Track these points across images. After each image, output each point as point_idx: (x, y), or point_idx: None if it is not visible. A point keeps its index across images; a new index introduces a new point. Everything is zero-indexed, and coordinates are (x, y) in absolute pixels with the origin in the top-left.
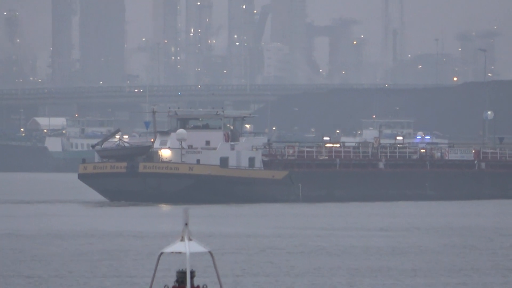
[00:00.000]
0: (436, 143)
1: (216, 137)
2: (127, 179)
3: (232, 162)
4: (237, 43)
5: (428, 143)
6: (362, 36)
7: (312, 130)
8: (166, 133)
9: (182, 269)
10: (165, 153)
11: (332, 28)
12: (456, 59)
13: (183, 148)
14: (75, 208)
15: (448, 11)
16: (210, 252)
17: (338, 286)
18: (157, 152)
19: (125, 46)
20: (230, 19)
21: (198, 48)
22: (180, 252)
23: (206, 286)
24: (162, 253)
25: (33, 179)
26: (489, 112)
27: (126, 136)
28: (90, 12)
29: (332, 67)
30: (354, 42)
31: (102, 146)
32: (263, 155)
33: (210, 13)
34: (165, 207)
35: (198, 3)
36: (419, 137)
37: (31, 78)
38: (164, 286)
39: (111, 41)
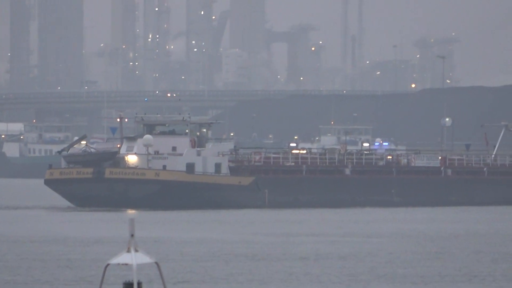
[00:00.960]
0: (394, 150)
1: (183, 143)
2: (94, 185)
3: (198, 168)
4: (196, 49)
5: (388, 150)
6: (320, 42)
7: (270, 136)
8: (132, 139)
9: (129, 281)
10: (132, 159)
11: (290, 34)
12: (414, 65)
13: (149, 154)
14: (40, 213)
15: (407, 18)
16: (156, 263)
17: None
18: (124, 157)
19: (83, 51)
20: (189, 25)
21: (156, 54)
22: (126, 264)
23: None
24: (108, 264)
25: None
26: (447, 119)
27: (84, 143)
28: (49, 17)
29: (290, 73)
30: (313, 48)
31: (69, 152)
32: (229, 161)
33: (168, 18)
34: (130, 213)
35: (156, 9)
36: (377, 143)
37: None
38: None
39: (69, 46)
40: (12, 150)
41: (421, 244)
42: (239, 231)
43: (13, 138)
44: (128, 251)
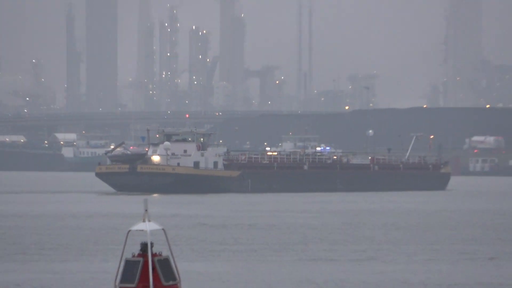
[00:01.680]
0: (334, 152)
1: (191, 147)
2: (129, 176)
3: (202, 165)
4: (195, 82)
5: (330, 152)
6: (282, 77)
7: (248, 143)
8: (156, 145)
9: (144, 241)
10: (156, 158)
11: (261, 72)
12: (347, 93)
13: (168, 155)
14: (91, 196)
15: (343, 58)
16: (163, 229)
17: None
18: (150, 157)
19: (117, 83)
20: (190, 65)
21: (168, 85)
22: (142, 230)
23: (161, 253)
24: (129, 230)
25: (54, 176)
26: (370, 131)
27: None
28: (92, 59)
29: (261, 99)
30: (277, 82)
31: (112, 153)
32: (223, 160)
33: (176, 61)
34: (155, 196)
35: (168, 54)
36: (322, 148)
37: (52, 106)
38: (132, 254)
39: (108, 80)
40: (68, 152)
41: (341, 217)
42: (226, 209)
43: (69, 144)
44: (143, 221)
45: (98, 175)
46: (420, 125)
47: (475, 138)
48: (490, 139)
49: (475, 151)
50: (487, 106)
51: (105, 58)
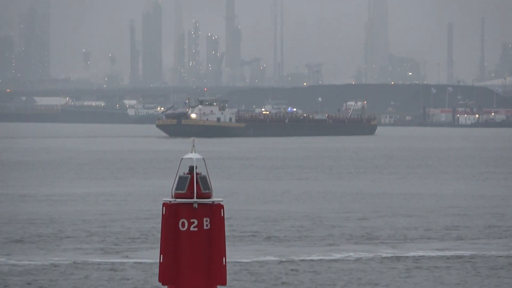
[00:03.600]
0: (297, 112)
1: (215, 108)
2: (177, 127)
3: (222, 120)
4: (210, 68)
5: (297, 112)
6: (264, 65)
7: (243, 106)
8: (193, 107)
9: (191, 165)
10: (193, 115)
11: (251, 62)
12: (304, 75)
13: (201, 113)
14: (152, 139)
15: (303, 50)
16: (203, 158)
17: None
18: (190, 115)
19: (162, 68)
20: (207, 58)
21: (193, 70)
22: (190, 158)
23: (201, 172)
24: (182, 158)
25: (123, 127)
26: (319, 99)
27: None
28: (147, 53)
29: (251, 79)
30: (261, 68)
31: (166, 112)
32: (235, 116)
33: (199, 55)
34: (193, 139)
35: (193, 51)
36: (290, 109)
37: (121, 83)
38: (183, 172)
39: (156, 66)
40: (131, 112)
41: (307, 152)
42: (239, 146)
43: (131, 106)
44: (191, 152)
45: (158, 126)
46: (351, 96)
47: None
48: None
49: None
50: (392, 83)
51: (154, 53)
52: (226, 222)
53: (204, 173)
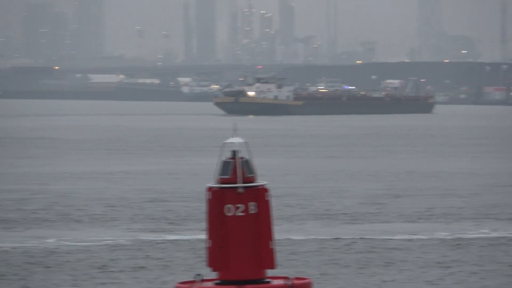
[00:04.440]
0: (353, 89)
1: (272, 86)
2: (234, 104)
3: (279, 97)
4: (264, 46)
5: (351, 89)
6: (319, 43)
7: (296, 83)
8: (251, 84)
9: (234, 149)
10: (251, 93)
11: (305, 39)
12: (359, 52)
13: (259, 91)
14: (210, 116)
15: (356, 27)
16: (246, 142)
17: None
18: (247, 93)
19: (215, 46)
20: (261, 35)
21: (247, 48)
22: (232, 142)
23: (244, 157)
24: (224, 142)
25: (179, 104)
26: (373, 76)
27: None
28: (201, 32)
29: (305, 57)
30: (314, 45)
31: (224, 90)
32: (292, 94)
33: (252, 32)
34: (250, 117)
35: (246, 28)
36: (344, 86)
37: (175, 60)
38: (225, 157)
39: (209, 44)
40: (185, 90)
41: (367, 130)
42: (295, 124)
43: (185, 84)
44: (233, 136)
45: (216, 104)
46: (405, 73)
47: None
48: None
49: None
50: (446, 61)
51: (207, 30)
52: (284, 200)
53: (247, 157)
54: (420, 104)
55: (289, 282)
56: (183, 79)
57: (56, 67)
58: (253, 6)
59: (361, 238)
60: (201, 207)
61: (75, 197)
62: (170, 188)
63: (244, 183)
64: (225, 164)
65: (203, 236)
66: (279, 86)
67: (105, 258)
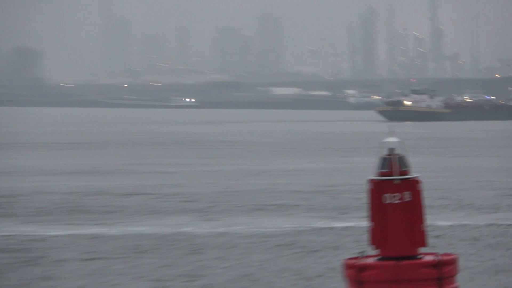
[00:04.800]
0: (493, 99)
1: (425, 97)
2: (394, 112)
3: (431, 106)
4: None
5: (491, 100)
6: (463, 60)
7: (445, 95)
8: (407, 95)
9: (390, 147)
10: (407, 103)
11: (451, 57)
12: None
13: (414, 101)
14: (372, 123)
15: (502, 43)
16: (401, 141)
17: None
18: (404, 102)
19: (376, 70)
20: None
21: (407, 65)
22: (389, 141)
23: (399, 153)
24: (382, 142)
25: (345, 112)
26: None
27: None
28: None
29: (452, 73)
30: (460, 62)
31: (385, 100)
32: (443, 103)
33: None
34: (408, 123)
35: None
36: (486, 97)
37: (338, 76)
38: (384, 154)
39: (370, 67)
40: (351, 100)
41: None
42: (444, 128)
43: (352, 95)
44: (390, 136)
45: (378, 112)
46: None
47: None
48: None
49: None
50: None
51: (369, 50)
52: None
53: (402, 153)
54: None
55: (438, 257)
56: (349, 91)
57: (243, 82)
58: (408, 29)
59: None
60: (363, 198)
61: (271, 190)
62: (338, 182)
63: (399, 175)
64: (384, 160)
65: (364, 222)
66: (431, 97)
67: (295, 239)
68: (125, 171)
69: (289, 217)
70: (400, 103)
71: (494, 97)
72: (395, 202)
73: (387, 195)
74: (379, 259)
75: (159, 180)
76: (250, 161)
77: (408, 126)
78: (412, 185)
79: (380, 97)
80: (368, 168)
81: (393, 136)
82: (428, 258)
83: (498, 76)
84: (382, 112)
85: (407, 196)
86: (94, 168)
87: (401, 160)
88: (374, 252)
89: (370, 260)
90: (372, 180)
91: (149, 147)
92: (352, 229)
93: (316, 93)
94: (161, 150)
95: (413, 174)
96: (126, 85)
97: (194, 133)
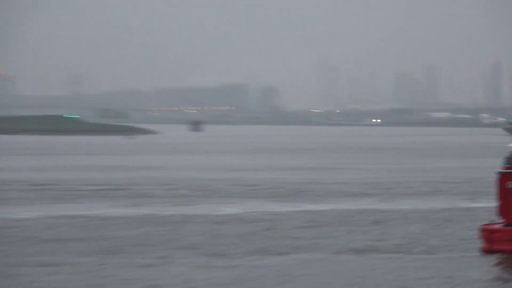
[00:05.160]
0: None
1: None
2: None
3: None
4: None
5: None
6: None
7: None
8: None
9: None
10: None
11: None
12: None
13: None
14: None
15: None
16: None
17: None
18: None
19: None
20: None
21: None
22: (511, 147)
23: None
24: (506, 146)
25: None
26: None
27: None
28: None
29: None
30: None
31: (509, 121)
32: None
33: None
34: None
35: None
36: None
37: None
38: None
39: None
40: (486, 120)
41: None
42: None
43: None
44: (511, 143)
45: (504, 129)
46: None
47: None
48: None
49: None
50: None
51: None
52: None
53: None
54: None
55: None
56: (483, 115)
57: (412, 108)
58: None
59: None
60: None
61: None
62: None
63: None
64: (507, 159)
65: (492, 204)
66: None
67: (404, 216)
68: (347, 168)
69: (444, 198)
70: None
71: None
72: None
73: (510, 182)
74: (504, 225)
75: (361, 174)
76: (414, 160)
77: None
78: None
79: (504, 119)
80: (494, 167)
81: None
82: None
83: None
84: (506, 129)
85: None
86: (319, 165)
87: None
88: (500, 220)
89: (498, 226)
90: (499, 172)
91: (349, 152)
92: (481, 209)
93: (461, 116)
94: (360, 154)
95: None
96: (338, 111)
97: (381, 142)
